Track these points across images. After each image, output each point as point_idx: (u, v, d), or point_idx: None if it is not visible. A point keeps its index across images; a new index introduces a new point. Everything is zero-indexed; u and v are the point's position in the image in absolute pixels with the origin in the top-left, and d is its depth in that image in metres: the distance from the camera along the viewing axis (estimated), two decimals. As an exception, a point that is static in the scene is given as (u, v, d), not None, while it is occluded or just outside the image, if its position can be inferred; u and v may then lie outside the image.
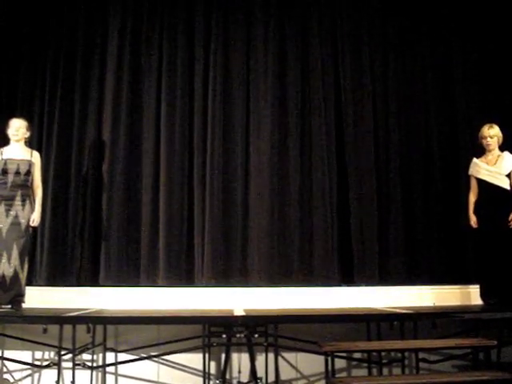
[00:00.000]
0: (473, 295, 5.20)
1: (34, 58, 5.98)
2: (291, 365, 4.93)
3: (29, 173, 4.79)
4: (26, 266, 4.75)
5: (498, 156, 5.05)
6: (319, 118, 5.92)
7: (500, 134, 5.07)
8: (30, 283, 5.11)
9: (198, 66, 5.99)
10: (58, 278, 5.61)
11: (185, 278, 5.66)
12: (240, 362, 4.76)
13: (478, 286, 5.04)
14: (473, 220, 5.04)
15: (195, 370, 4.84)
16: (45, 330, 4.27)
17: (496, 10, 6.06)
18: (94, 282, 5.60)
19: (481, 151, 5.18)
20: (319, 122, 5.91)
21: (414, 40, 6.15)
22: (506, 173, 4.97)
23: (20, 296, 4.70)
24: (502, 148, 5.09)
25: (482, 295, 4.96)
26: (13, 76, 5.94)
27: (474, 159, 5.15)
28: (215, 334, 4.46)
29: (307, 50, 6.04)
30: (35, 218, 4.78)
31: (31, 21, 6.03)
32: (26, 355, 4.84)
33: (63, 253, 5.69)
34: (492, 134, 5.04)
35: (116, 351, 4.89)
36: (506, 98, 5.84)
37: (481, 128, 5.11)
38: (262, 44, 6.01)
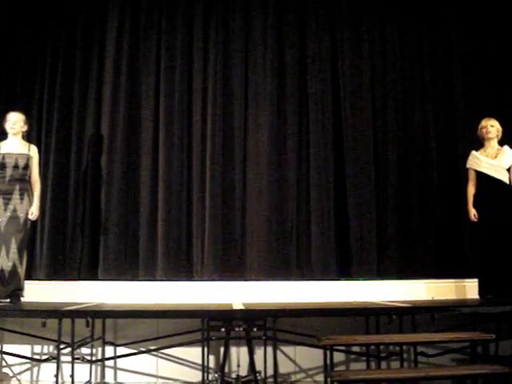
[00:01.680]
0: (471, 289, 5.21)
1: (33, 54, 5.95)
2: (290, 358, 4.94)
3: (27, 167, 4.78)
4: (24, 260, 4.75)
5: (498, 150, 5.07)
6: (317, 111, 5.91)
7: (500, 127, 5.09)
8: (29, 277, 5.11)
9: (197, 58, 5.97)
10: (57, 271, 5.61)
11: (184, 271, 5.66)
12: (239, 355, 4.77)
13: (476, 280, 5.05)
14: (472, 213, 5.04)
15: (194, 363, 4.85)
16: (44, 324, 4.26)
17: (496, 10, 6.03)
18: (93, 276, 5.59)
19: (479, 146, 5.18)
20: (317, 117, 5.90)
21: (414, 38, 6.14)
22: (507, 166, 4.98)
23: (19, 290, 4.70)
24: (502, 145, 5.11)
25: (481, 290, 4.97)
26: (12, 70, 5.92)
27: (473, 152, 5.16)
28: (214, 327, 4.46)
29: (305, 46, 6.01)
30: (34, 212, 4.78)
31: (31, 13, 5.99)
32: (25, 349, 4.85)
33: (63, 247, 5.69)
34: (492, 123, 5.07)
35: (115, 345, 4.90)
36: (506, 98, 5.83)
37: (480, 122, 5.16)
38: (260, 41, 6.00)
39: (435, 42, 6.14)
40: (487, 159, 5.03)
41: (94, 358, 4.88)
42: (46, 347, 4.91)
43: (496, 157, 5.03)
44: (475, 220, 5.03)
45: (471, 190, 5.09)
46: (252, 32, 6.02)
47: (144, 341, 4.85)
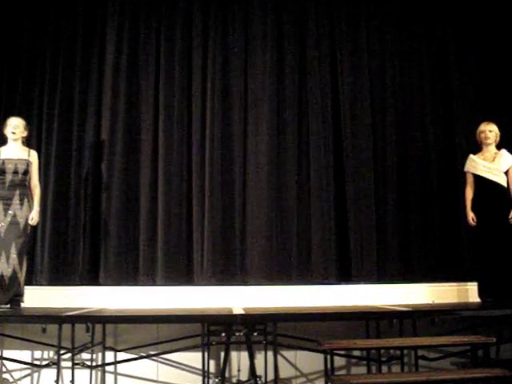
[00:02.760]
0: (471, 293, 5.21)
1: (32, 60, 5.97)
2: (290, 363, 4.93)
3: (27, 172, 4.78)
4: (24, 266, 4.75)
5: (495, 153, 5.08)
6: (317, 114, 5.91)
7: (498, 132, 5.11)
8: (29, 283, 5.11)
9: (196, 62, 5.98)
10: (57, 277, 5.61)
11: (184, 276, 5.66)
12: (239, 360, 4.76)
13: (476, 284, 5.05)
14: (471, 216, 5.05)
15: (194, 368, 4.84)
16: (44, 330, 4.27)
17: (495, 14, 6.04)
18: (94, 282, 5.59)
19: (477, 150, 5.19)
20: (317, 119, 5.91)
21: (412, 40, 6.15)
22: (505, 170, 4.99)
23: (19, 296, 4.70)
24: (499, 148, 5.11)
25: (480, 293, 4.97)
26: (12, 77, 5.94)
27: (471, 155, 5.17)
28: (214, 332, 4.46)
29: (304, 48, 6.03)
30: (34, 217, 4.78)
31: (30, 19, 6.02)
32: (25, 355, 4.85)
33: (63, 252, 5.69)
34: (490, 128, 5.08)
35: (115, 350, 4.89)
36: (505, 101, 5.83)
37: (478, 126, 5.18)
38: (260, 42, 6.01)
39: (433, 43, 6.15)
40: (484, 162, 5.05)
41: (94, 364, 4.87)
42: (46, 353, 4.90)
43: (493, 160, 5.04)
44: (473, 224, 5.04)
45: (469, 193, 5.11)
46: (251, 33, 6.03)
47: (144, 346, 4.84)
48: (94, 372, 4.85)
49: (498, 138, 5.12)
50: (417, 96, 6.09)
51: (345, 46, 6.06)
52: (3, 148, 4.84)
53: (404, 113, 6.05)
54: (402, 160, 5.96)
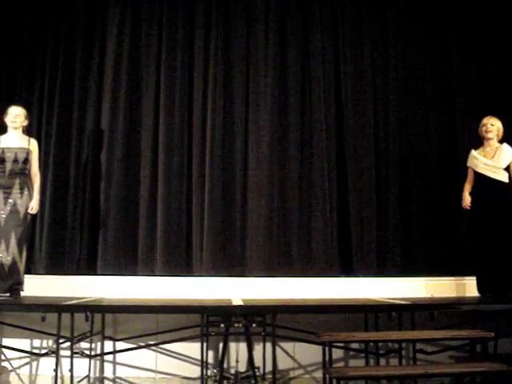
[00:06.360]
0: (470, 287, 5.21)
1: (33, 48, 5.94)
2: (289, 354, 4.96)
3: (26, 161, 4.77)
4: (24, 254, 4.75)
5: (496, 148, 5.03)
6: (319, 108, 5.88)
7: (501, 127, 5.06)
8: (28, 271, 5.11)
9: (198, 55, 5.94)
10: (57, 266, 5.60)
11: (183, 267, 5.66)
12: (238, 351, 4.78)
13: (473, 278, 5.05)
14: (466, 201, 5.02)
15: (193, 359, 4.86)
16: (43, 319, 4.28)
17: (496, 11, 6.01)
18: (92, 271, 5.59)
19: (480, 144, 5.16)
20: (319, 112, 5.88)
21: (414, 38, 6.10)
22: (504, 166, 4.95)
23: (18, 284, 4.70)
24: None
25: (479, 288, 4.97)
26: (12, 66, 5.91)
27: (473, 151, 5.14)
28: (213, 323, 4.47)
29: (308, 42, 5.99)
30: (33, 206, 4.77)
31: (32, 7, 5.98)
32: (24, 343, 4.87)
33: (62, 241, 5.68)
34: (493, 122, 5.04)
35: (114, 340, 4.91)
36: (507, 97, 5.80)
37: (481, 121, 5.14)
38: (262, 35, 5.97)
39: (436, 40, 6.11)
40: (484, 159, 5.00)
41: (93, 353, 4.89)
42: (45, 341, 4.92)
43: (493, 156, 5.00)
44: (467, 208, 5.02)
45: (468, 186, 5.10)
46: (253, 28, 5.99)
47: (143, 336, 4.87)
48: (92, 361, 4.87)
49: (501, 134, 5.07)
50: (419, 91, 6.04)
51: (347, 42, 6.00)
52: (3, 137, 4.83)
53: (406, 108, 6.00)
54: (403, 154, 5.94)
